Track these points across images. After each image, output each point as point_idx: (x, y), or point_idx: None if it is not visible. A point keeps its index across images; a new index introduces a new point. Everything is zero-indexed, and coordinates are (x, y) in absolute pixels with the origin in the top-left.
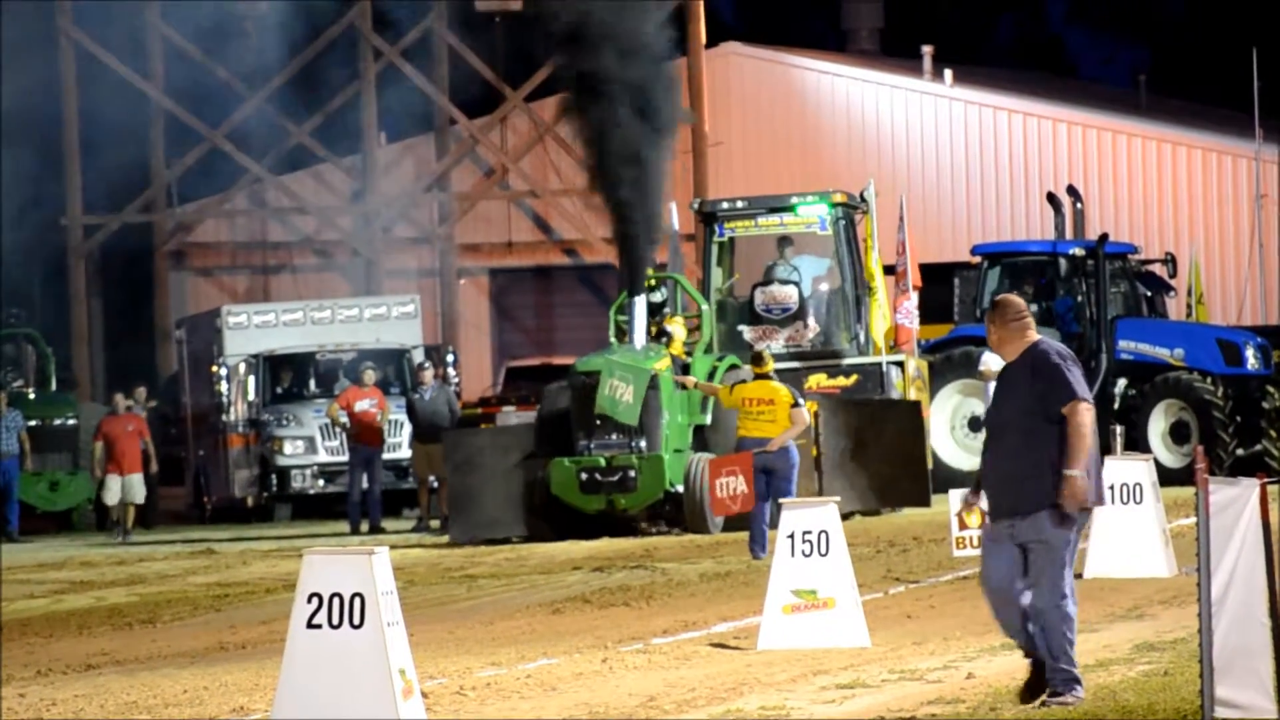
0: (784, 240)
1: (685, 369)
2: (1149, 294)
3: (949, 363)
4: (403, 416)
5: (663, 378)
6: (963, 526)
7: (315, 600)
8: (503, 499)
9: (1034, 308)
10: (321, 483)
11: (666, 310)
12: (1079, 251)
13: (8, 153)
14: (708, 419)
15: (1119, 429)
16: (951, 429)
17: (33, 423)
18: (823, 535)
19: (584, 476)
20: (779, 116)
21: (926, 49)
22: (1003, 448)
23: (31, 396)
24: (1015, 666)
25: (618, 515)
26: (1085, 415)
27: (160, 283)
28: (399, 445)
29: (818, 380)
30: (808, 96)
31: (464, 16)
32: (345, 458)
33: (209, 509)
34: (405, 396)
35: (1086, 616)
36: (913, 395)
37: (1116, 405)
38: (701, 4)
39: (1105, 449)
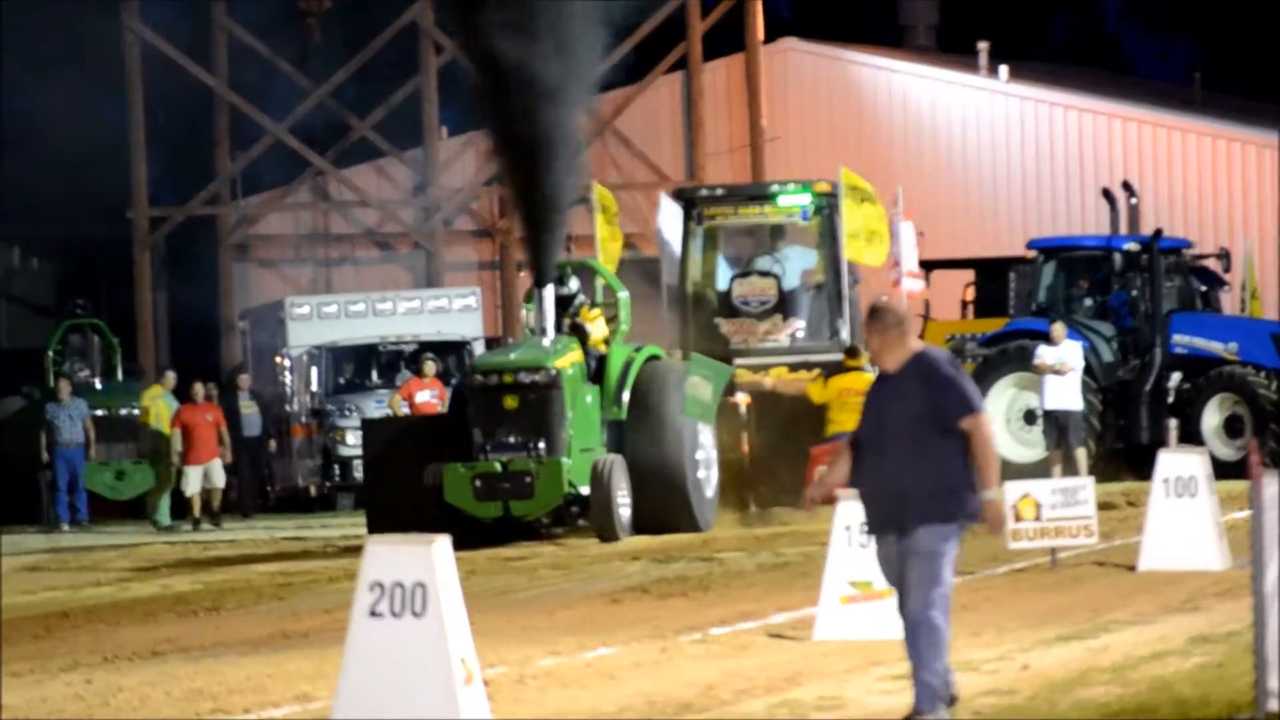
0: (775, 231)
1: (601, 360)
2: (1203, 289)
3: (1004, 356)
4: None
5: (565, 375)
6: (1018, 518)
7: (377, 589)
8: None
9: (1089, 302)
10: None
11: (581, 301)
12: (1134, 246)
13: (75, 147)
14: (624, 414)
15: (1173, 423)
16: (1006, 422)
17: (98, 412)
18: None
19: (479, 483)
20: (836, 112)
21: (983, 45)
22: (888, 459)
23: (98, 386)
24: (1070, 658)
25: (515, 522)
26: (987, 428)
27: (224, 275)
28: None
29: (779, 373)
30: (865, 92)
31: None
32: None
33: (272, 498)
34: None
35: (1141, 609)
36: None
37: (1171, 399)
38: (759, 0)
39: (1160, 442)
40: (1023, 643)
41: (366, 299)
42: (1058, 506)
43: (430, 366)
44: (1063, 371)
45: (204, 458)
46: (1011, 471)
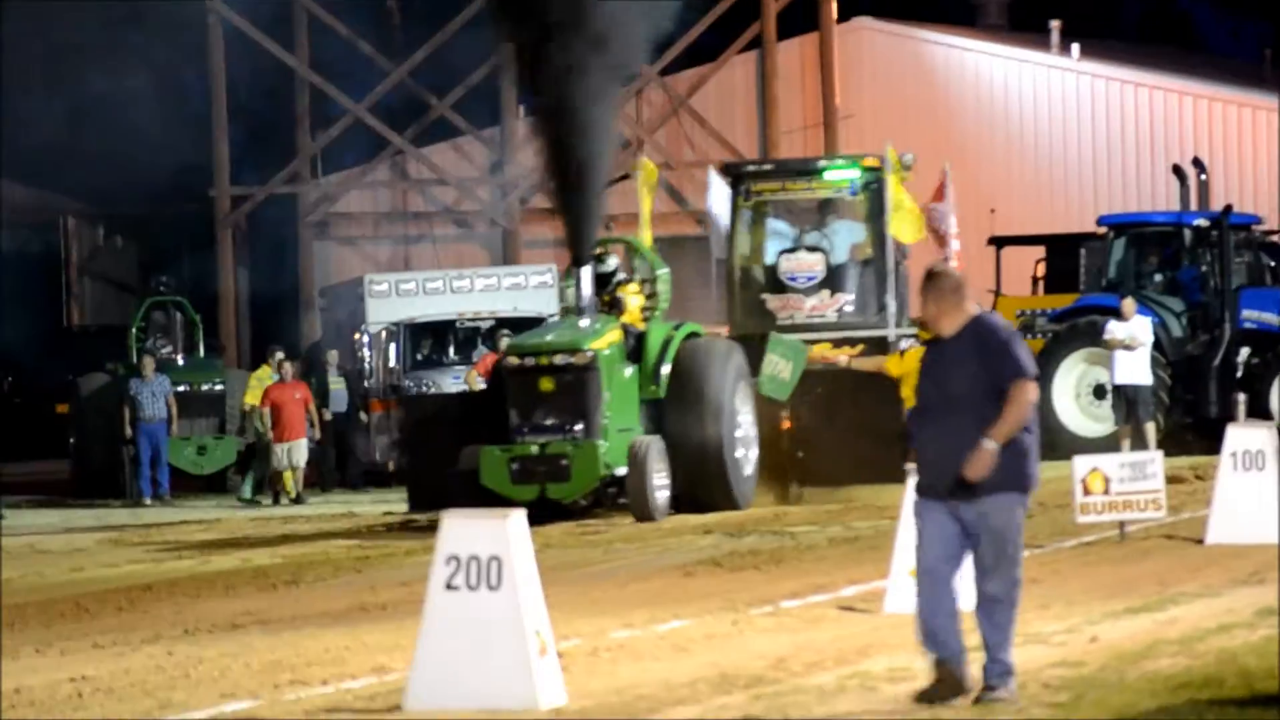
0: (823, 206)
1: (640, 338)
2: (1272, 264)
3: (1074, 331)
4: None
5: (602, 356)
6: (1087, 492)
7: (453, 562)
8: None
9: (1159, 278)
10: None
11: (619, 278)
12: (1203, 222)
13: (158, 126)
14: (662, 393)
15: (1242, 397)
16: (1076, 396)
17: (180, 388)
18: None
19: (515, 466)
20: (909, 90)
21: (1055, 23)
22: (948, 423)
23: (180, 362)
24: (1138, 630)
25: (552, 505)
26: (1031, 395)
27: (304, 252)
28: None
29: (822, 349)
30: (938, 70)
31: None
32: None
33: (355, 474)
34: None
35: (1209, 582)
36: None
37: (1239, 374)
38: None
39: (1228, 417)
40: (1091, 615)
41: (444, 276)
42: (1126, 480)
43: (506, 343)
44: (1132, 347)
45: (290, 435)
46: (1080, 446)
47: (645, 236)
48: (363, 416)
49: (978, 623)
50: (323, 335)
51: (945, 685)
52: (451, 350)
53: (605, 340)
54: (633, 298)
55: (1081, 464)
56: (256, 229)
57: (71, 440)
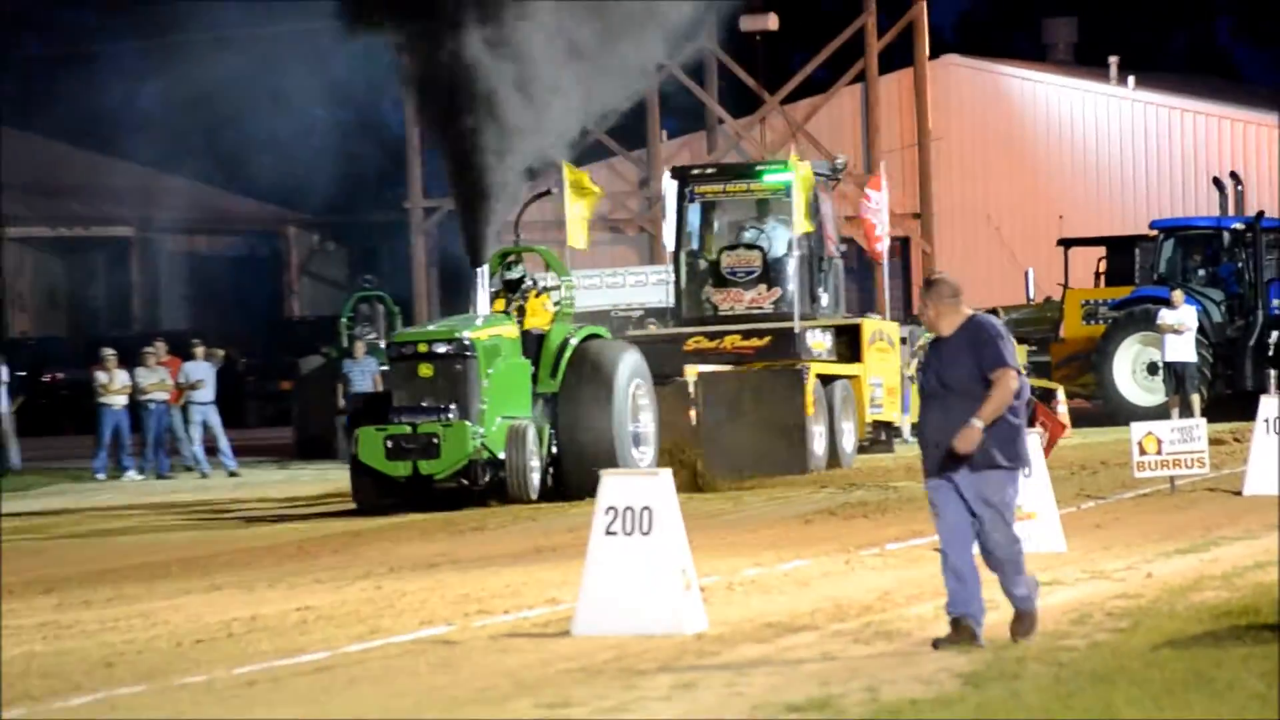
0: (761, 206)
1: (539, 340)
2: None
3: (1131, 318)
4: None
5: (480, 345)
6: (1143, 452)
7: (612, 512)
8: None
9: (1201, 272)
10: None
11: (527, 285)
12: (1239, 226)
13: (362, 148)
14: (556, 388)
15: (1273, 372)
16: (1133, 372)
17: (384, 367)
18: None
19: (390, 444)
20: (990, 116)
21: (1113, 59)
22: (947, 409)
23: (383, 346)
24: (1186, 567)
25: (425, 481)
26: (1012, 383)
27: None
28: None
29: (732, 340)
30: (1014, 99)
31: (730, 34)
32: None
33: None
34: None
35: (1248, 526)
36: (872, 357)
37: (1271, 353)
38: (926, 24)
39: (1261, 389)
40: (1146, 555)
41: (600, 274)
42: (1175, 443)
43: (653, 329)
44: (1180, 330)
45: None
46: (1136, 414)
47: (575, 237)
48: None
49: (999, 580)
50: None
51: (961, 637)
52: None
53: (486, 333)
54: (538, 303)
55: (1138, 429)
56: (445, 234)
57: (293, 411)
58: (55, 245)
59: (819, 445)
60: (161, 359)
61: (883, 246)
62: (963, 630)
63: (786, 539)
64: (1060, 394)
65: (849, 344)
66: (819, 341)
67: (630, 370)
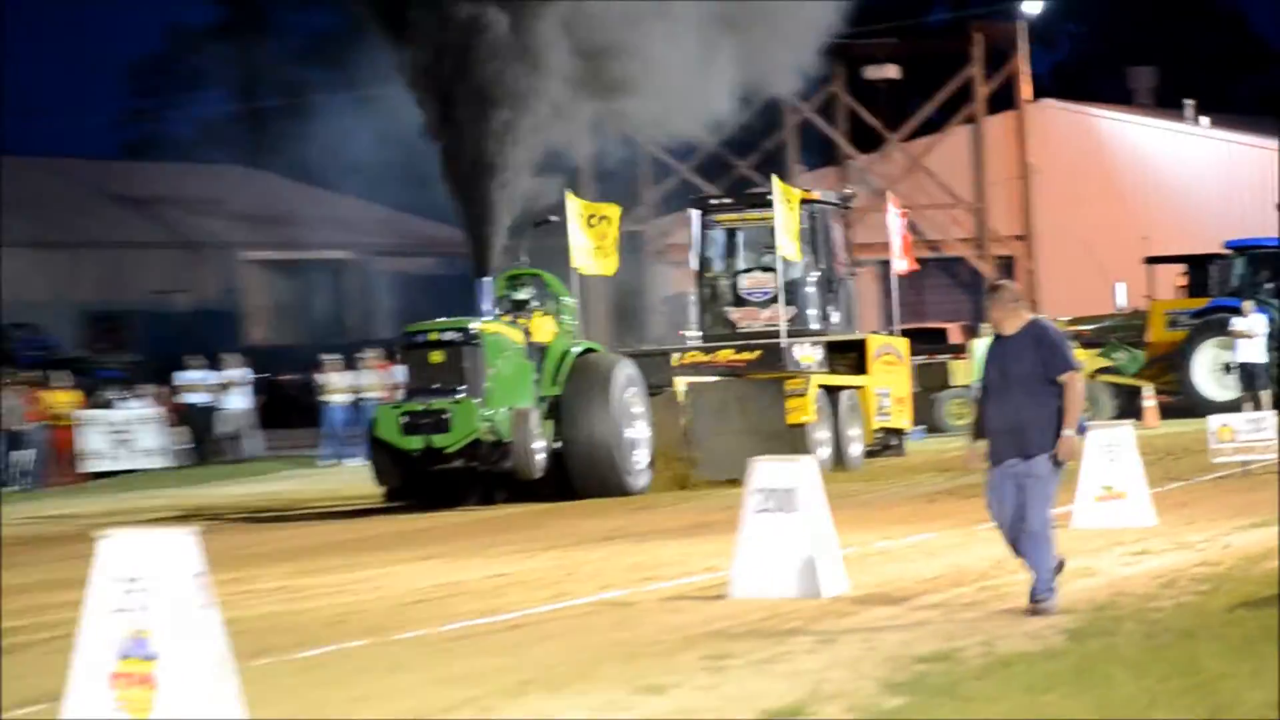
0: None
1: (542, 352)
2: None
3: (1208, 325)
4: None
5: (486, 335)
6: (1220, 440)
7: (762, 493)
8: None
9: (1269, 285)
10: None
11: (533, 305)
12: None
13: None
14: (560, 391)
15: None
16: (1211, 371)
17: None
18: (1119, 446)
19: (404, 420)
20: (1082, 151)
21: (1189, 102)
22: (1008, 403)
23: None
24: (1259, 539)
25: (436, 455)
26: (1080, 384)
27: (649, 272)
28: None
29: (726, 355)
30: (1104, 137)
31: (855, 81)
32: None
33: None
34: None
35: None
36: (879, 369)
37: None
38: (1029, 72)
39: None
40: (1223, 529)
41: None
42: (1248, 433)
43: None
44: (1251, 335)
45: None
46: (1213, 408)
47: (582, 264)
48: None
49: (1025, 553)
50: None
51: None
52: None
53: (494, 327)
54: (542, 321)
55: (1215, 421)
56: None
57: None
58: (284, 267)
59: (823, 450)
60: (375, 363)
61: (904, 265)
62: (1036, 608)
63: (913, 515)
64: (1146, 390)
65: (857, 358)
66: (808, 355)
67: (625, 379)
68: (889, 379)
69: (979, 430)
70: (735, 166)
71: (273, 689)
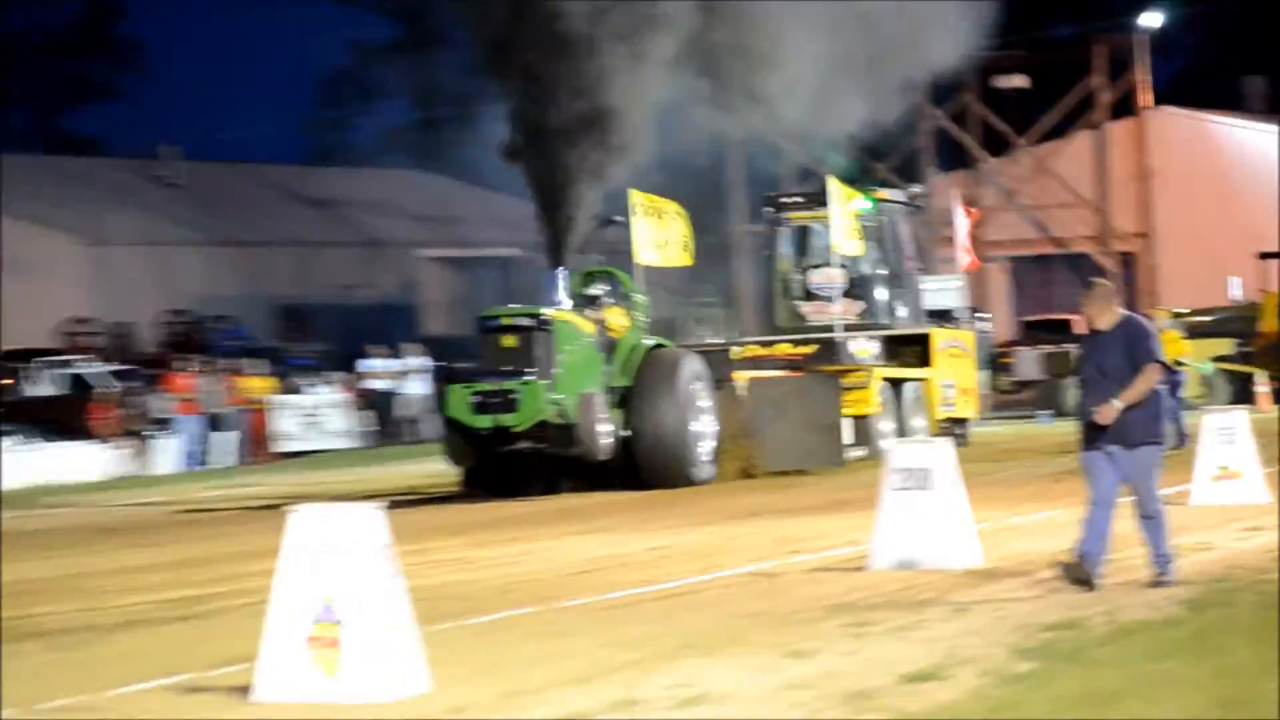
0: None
1: (613, 345)
2: None
3: None
4: None
5: (558, 322)
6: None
7: (900, 473)
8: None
9: None
10: None
11: (606, 301)
12: None
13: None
14: (629, 382)
15: None
16: None
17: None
18: (1234, 430)
19: (475, 399)
20: (1199, 154)
21: None
22: (1103, 392)
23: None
24: None
25: (505, 435)
26: (1154, 375)
27: None
28: None
29: (783, 348)
30: (1218, 141)
31: (986, 90)
32: None
33: None
34: None
35: None
36: (943, 361)
37: None
38: (1148, 80)
39: None
40: None
41: None
42: None
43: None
44: None
45: None
46: None
47: (644, 256)
48: None
49: (1144, 535)
50: None
51: (1075, 573)
52: None
53: (565, 315)
54: (615, 316)
55: None
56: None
57: None
58: (457, 263)
59: (886, 441)
60: None
61: (965, 259)
62: (1080, 574)
63: (1041, 494)
64: (1259, 377)
65: (923, 350)
66: (863, 349)
67: (691, 373)
68: (954, 371)
69: (1082, 414)
70: (874, 169)
71: (450, 651)
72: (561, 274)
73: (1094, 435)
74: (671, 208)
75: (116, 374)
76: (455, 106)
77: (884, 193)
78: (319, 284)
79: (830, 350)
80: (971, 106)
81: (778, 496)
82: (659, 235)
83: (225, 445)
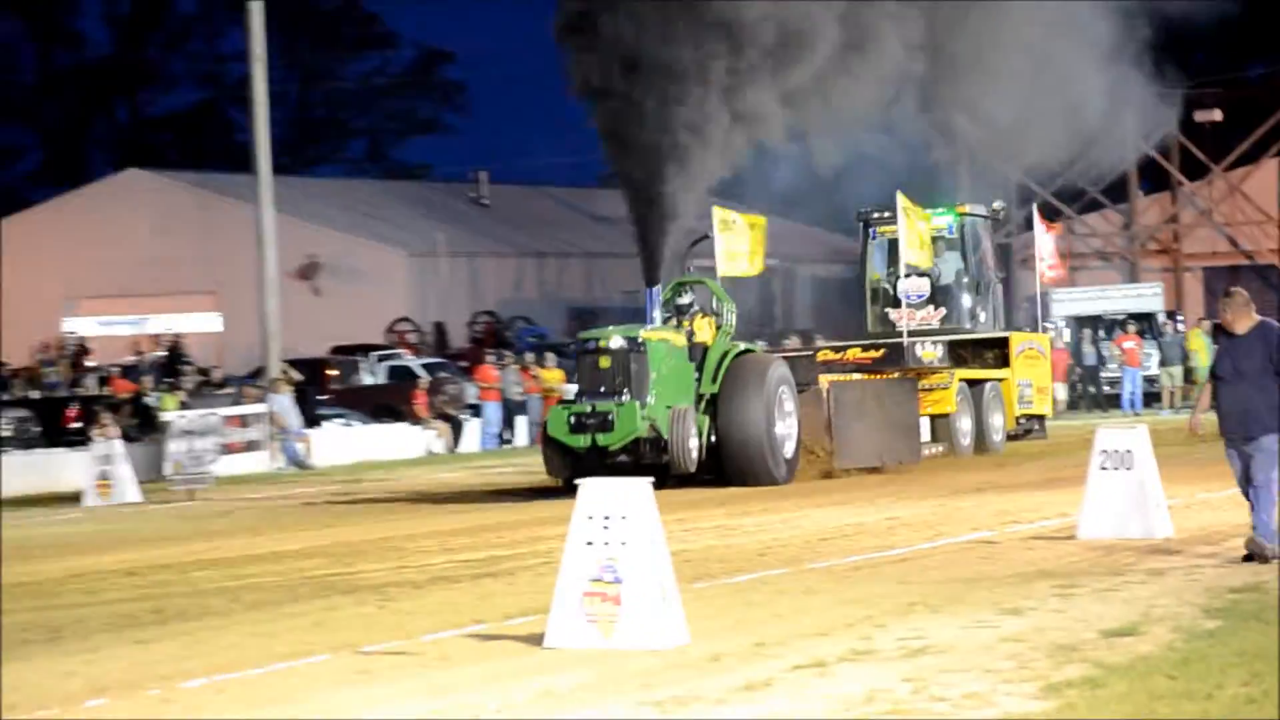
0: (935, 240)
1: (704, 352)
2: None
3: None
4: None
5: (651, 344)
6: None
7: (1104, 454)
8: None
9: None
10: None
11: (695, 310)
12: None
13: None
14: (716, 389)
15: None
16: None
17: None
18: None
19: (573, 420)
20: None
21: None
22: (1239, 391)
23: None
24: None
25: (601, 452)
26: None
27: (1014, 276)
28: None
29: (854, 352)
30: None
31: (1187, 122)
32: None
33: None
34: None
35: None
36: (1020, 363)
37: None
38: None
39: None
40: None
41: (1084, 291)
42: None
43: (1131, 327)
44: None
45: None
46: None
47: (726, 268)
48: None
49: (1251, 501)
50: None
51: (1252, 548)
52: (1101, 332)
53: (658, 335)
54: (704, 323)
55: None
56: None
57: None
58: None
59: (964, 437)
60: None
61: (1053, 274)
62: (1256, 550)
63: (1226, 473)
64: None
65: (1000, 353)
66: (929, 352)
67: (778, 378)
68: (1031, 371)
69: (1217, 409)
70: (1086, 191)
71: (708, 606)
72: (656, 292)
73: (1230, 427)
74: (746, 220)
75: (433, 366)
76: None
77: (966, 207)
78: (605, 289)
79: (897, 353)
80: (1173, 136)
81: (996, 474)
82: (740, 247)
83: (523, 428)
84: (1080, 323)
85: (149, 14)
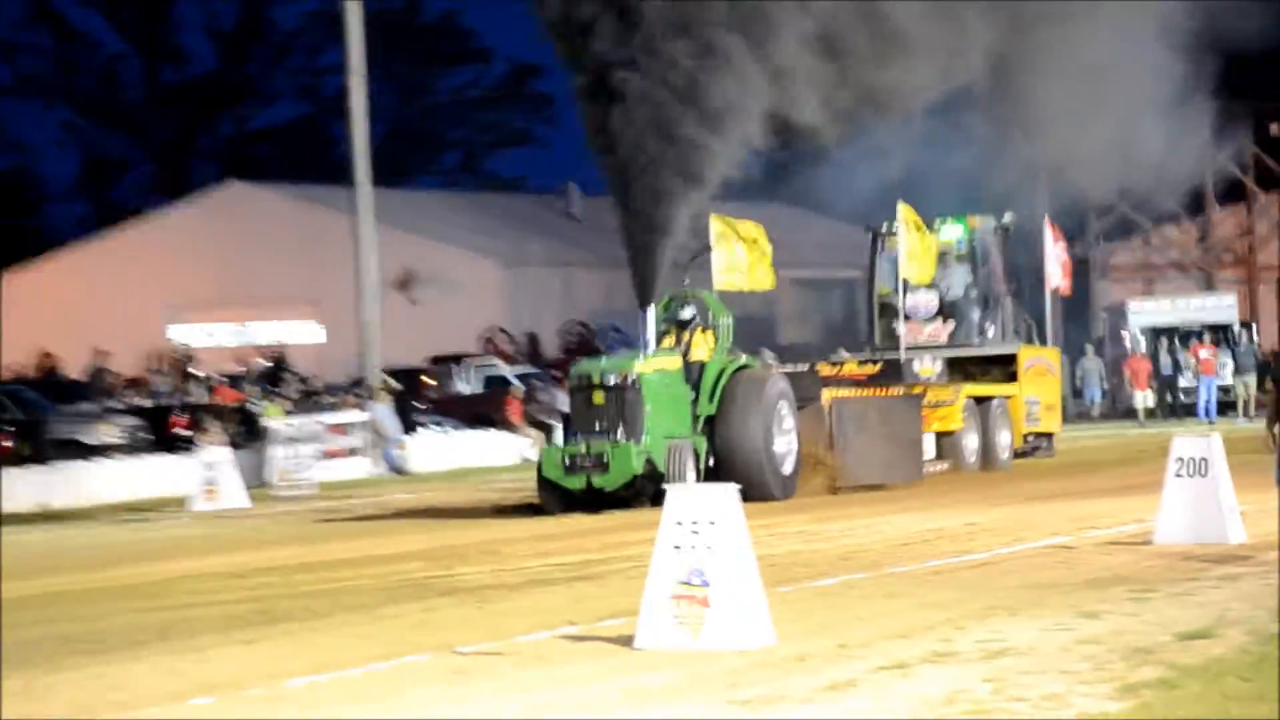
0: (941, 255)
1: (701, 368)
2: None
3: None
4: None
5: (645, 378)
6: None
7: (1179, 462)
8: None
9: None
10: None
11: (695, 323)
12: None
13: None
14: (714, 410)
15: None
16: None
17: None
18: None
19: (567, 461)
20: None
21: None
22: None
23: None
24: None
25: (597, 492)
26: None
27: (1094, 287)
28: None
29: (850, 367)
30: None
31: (1261, 135)
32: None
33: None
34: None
35: None
36: (1029, 379)
37: None
38: None
39: None
40: None
41: (1173, 300)
42: None
43: (1207, 337)
44: None
45: None
46: None
47: (724, 281)
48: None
49: None
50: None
51: None
52: (1178, 341)
53: (652, 366)
54: (702, 338)
55: None
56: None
57: None
58: (808, 284)
59: (970, 455)
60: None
61: (1059, 283)
62: None
63: None
64: None
65: (1009, 369)
66: (926, 368)
67: (777, 393)
68: (1039, 388)
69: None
70: (1163, 203)
71: (792, 609)
72: (649, 314)
73: None
74: (750, 232)
75: (526, 374)
76: (809, 146)
77: (976, 219)
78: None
79: (894, 369)
80: (1248, 149)
81: (1072, 482)
82: (743, 259)
83: None
84: (1157, 333)
85: (251, 30)
